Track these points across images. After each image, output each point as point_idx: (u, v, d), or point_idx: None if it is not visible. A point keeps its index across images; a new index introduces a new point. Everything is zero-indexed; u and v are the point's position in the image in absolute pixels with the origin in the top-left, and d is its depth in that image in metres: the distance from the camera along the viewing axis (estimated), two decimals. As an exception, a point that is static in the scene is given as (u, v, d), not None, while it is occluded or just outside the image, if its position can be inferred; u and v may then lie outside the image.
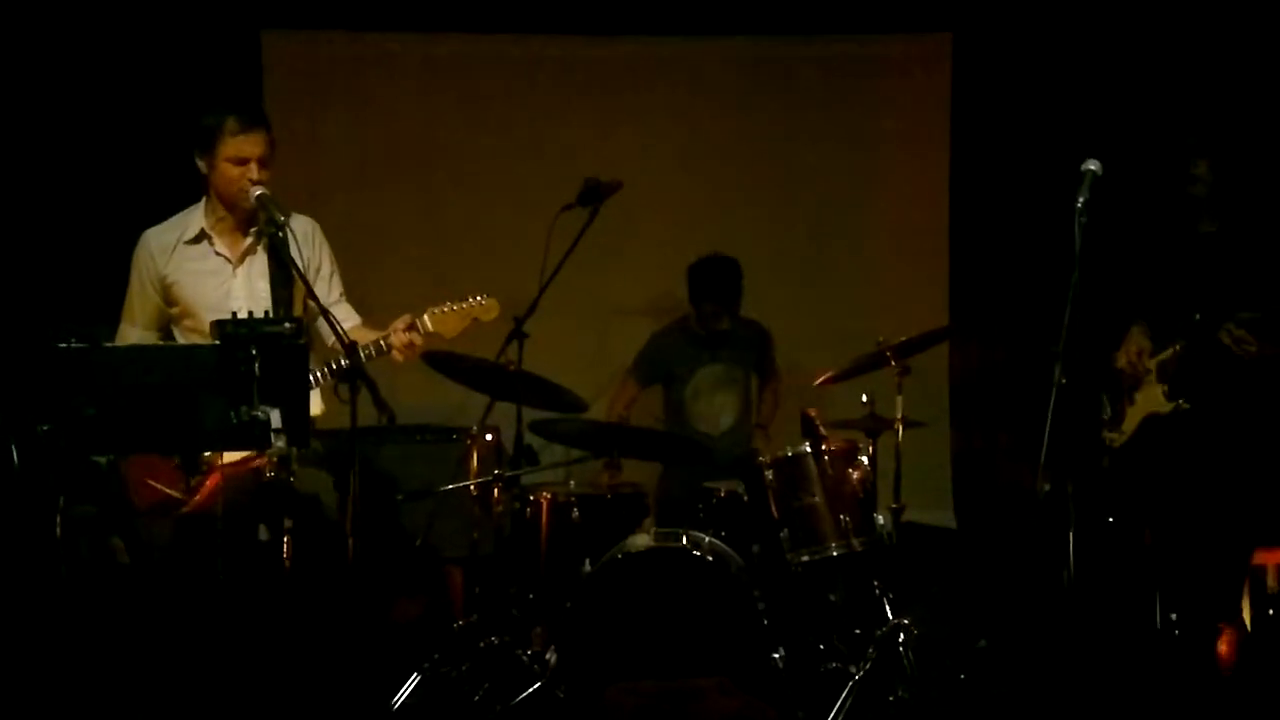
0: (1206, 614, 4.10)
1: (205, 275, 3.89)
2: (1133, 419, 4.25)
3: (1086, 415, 4.30)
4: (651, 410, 5.48)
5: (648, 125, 6.10)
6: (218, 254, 3.90)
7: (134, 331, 3.96)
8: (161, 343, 3.94)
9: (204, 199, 3.92)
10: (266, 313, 3.68)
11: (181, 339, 3.93)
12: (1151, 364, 4.22)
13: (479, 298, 3.96)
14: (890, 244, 6.21)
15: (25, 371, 3.15)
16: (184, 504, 3.67)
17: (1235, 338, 3.99)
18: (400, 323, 3.85)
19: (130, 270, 3.96)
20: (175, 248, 3.90)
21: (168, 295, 3.92)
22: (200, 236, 3.91)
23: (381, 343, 3.82)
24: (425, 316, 3.87)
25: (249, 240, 3.91)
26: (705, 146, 6.14)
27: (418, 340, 3.85)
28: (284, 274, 3.84)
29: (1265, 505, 4.07)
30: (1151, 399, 4.20)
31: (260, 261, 3.90)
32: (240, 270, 3.90)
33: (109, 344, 3.69)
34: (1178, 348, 4.12)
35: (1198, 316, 4.07)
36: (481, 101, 6.12)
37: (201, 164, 3.83)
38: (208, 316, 3.68)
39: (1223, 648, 4.05)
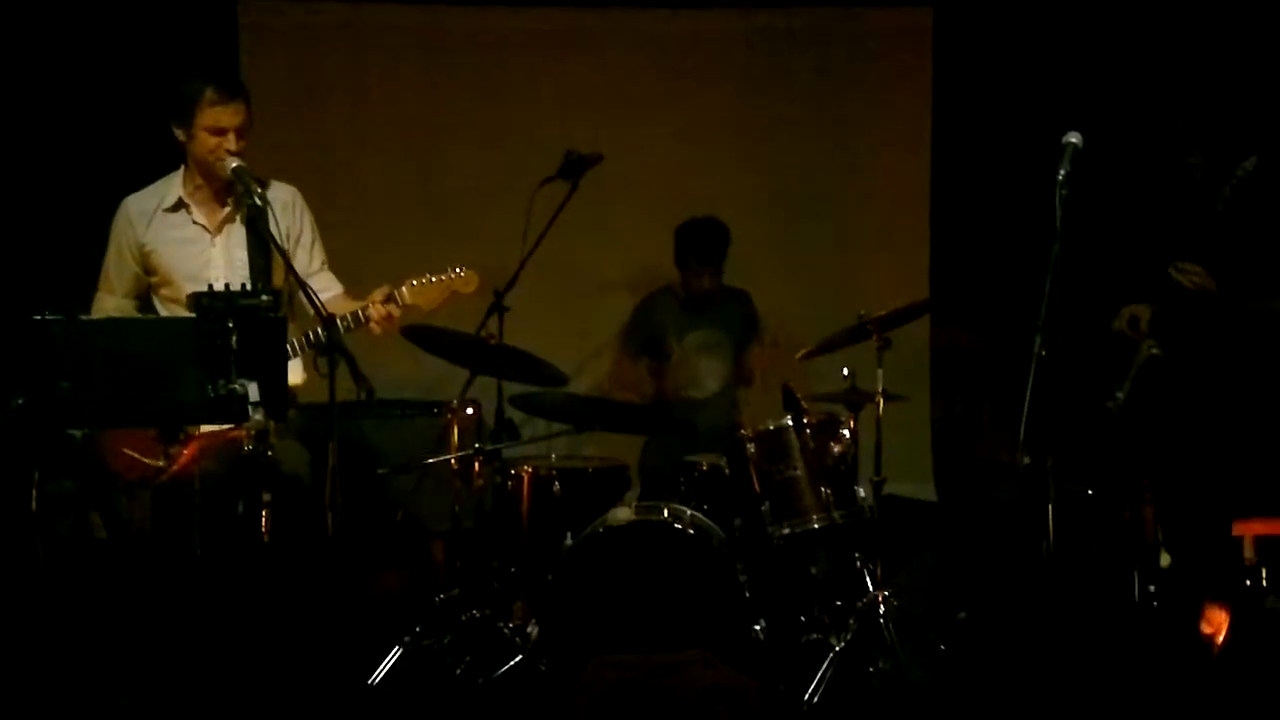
0: (1191, 584, 4.13)
1: (184, 244, 3.86)
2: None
3: (1069, 388, 4.33)
4: None
5: (628, 97, 6.06)
6: (196, 223, 3.88)
7: (111, 299, 3.93)
8: (138, 313, 3.91)
9: (182, 167, 3.89)
10: (244, 285, 3.66)
11: (161, 308, 3.91)
12: (1146, 328, 4.25)
13: (458, 270, 3.94)
14: (871, 218, 6.19)
15: (-1, 344, 3.10)
16: (162, 472, 3.64)
17: (1181, 270, 4.04)
18: (378, 294, 3.82)
19: (109, 237, 3.93)
20: (154, 215, 3.88)
21: (146, 263, 3.89)
22: (179, 205, 3.88)
23: (360, 314, 3.80)
24: (403, 288, 3.85)
25: (227, 209, 3.88)
26: (686, 119, 6.10)
27: (395, 312, 3.83)
28: (263, 244, 3.81)
29: (1241, 470, 4.09)
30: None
31: (239, 231, 3.88)
32: (219, 239, 3.88)
33: (84, 316, 3.65)
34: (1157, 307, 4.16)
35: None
36: (462, 73, 6.07)
37: (179, 132, 3.80)
38: (186, 285, 3.67)
39: (1208, 626, 4.06)
